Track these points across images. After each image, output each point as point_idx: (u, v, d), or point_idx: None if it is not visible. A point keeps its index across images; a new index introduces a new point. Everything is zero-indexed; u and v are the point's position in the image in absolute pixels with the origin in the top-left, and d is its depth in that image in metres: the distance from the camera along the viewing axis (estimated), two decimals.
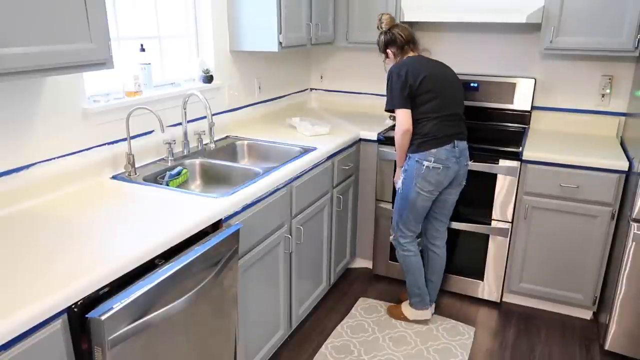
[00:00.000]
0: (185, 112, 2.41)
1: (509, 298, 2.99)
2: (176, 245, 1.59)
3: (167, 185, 2.15)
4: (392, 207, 2.79)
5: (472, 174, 2.70)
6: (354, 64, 3.62)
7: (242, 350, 2.07)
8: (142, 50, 2.31)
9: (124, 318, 1.31)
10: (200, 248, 1.61)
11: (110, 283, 1.35)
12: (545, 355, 2.54)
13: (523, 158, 2.64)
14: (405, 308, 2.76)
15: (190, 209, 1.74)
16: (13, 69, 1.36)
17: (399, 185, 2.54)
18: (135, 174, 2.12)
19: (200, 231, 1.70)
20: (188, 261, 1.53)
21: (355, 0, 3.15)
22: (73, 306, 1.25)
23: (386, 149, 2.92)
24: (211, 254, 1.65)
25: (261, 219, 2.07)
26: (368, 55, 3.54)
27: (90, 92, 2.08)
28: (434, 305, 2.80)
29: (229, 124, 2.89)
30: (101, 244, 1.47)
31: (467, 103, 3.05)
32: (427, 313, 2.72)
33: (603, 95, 2.98)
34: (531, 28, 3.06)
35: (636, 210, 2.28)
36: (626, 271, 2.36)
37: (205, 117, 2.65)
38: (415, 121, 2.40)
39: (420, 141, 2.40)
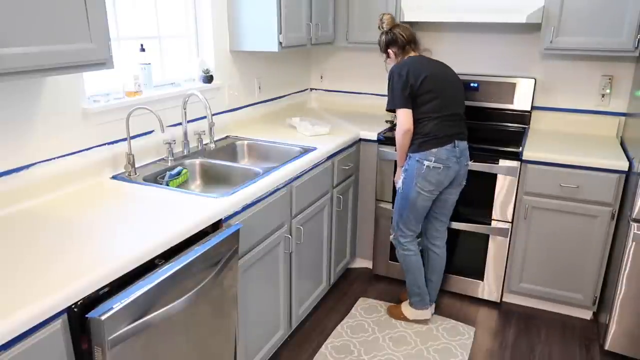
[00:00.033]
0: (185, 112, 2.41)
1: (509, 298, 2.99)
2: (176, 245, 1.59)
3: (167, 185, 2.15)
4: (392, 207, 2.79)
5: (472, 174, 2.70)
6: (354, 64, 3.62)
7: (242, 350, 2.07)
8: (142, 50, 2.31)
9: (124, 318, 1.31)
10: (200, 248, 1.61)
11: (110, 283, 1.35)
12: (545, 355, 2.54)
13: (523, 158, 2.64)
14: (405, 308, 2.76)
15: (190, 209, 1.74)
16: (13, 69, 1.36)
17: (399, 184, 2.54)
18: (135, 174, 2.12)
19: (200, 231, 1.70)
20: (188, 261, 1.53)
21: (355, 0, 3.15)
22: (73, 306, 1.25)
23: (386, 149, 2.92)
24: (211, 254, 1.65)
25: (261, 219, 2.07)
26: (368, 55, 3.54)
27: (90, 92, 2.08)
28: (434, 305, 2.80)
29: (229, 124, 2.89)
30: (101, 244, 1.47)
31: (467, 103, 3.04)
32: (427, 313, 2.72)
33: (603, 95, 2.98)
34: (531, 28, 3.06)
35: (636, 210, 2.28)
36: (626, 271, 2.36)
37: (205, 117, 2.65)
38: (416, 121, 2.40)
39: (421, 141, 2.40)
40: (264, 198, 2.07)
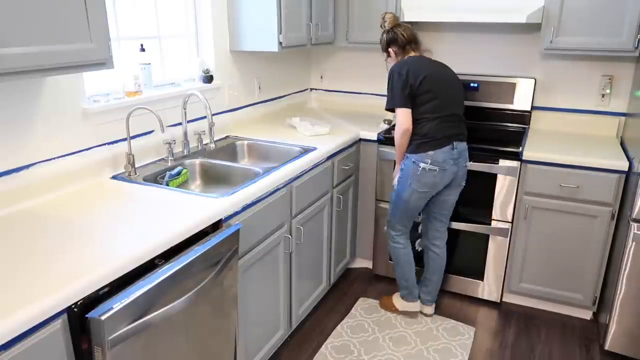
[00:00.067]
0: (185, 112, 2.41)
1: (509, 298, 2.99)
2: (176, 245, 1.59)
3: (167, 185, 2.15)
4: None
5: (472, 174, 2.70)
6: (354, 64, 3.62)
7: (242, 350, 2.07)
8: (142, 50, 2.31)
9: (124, 318, 1.31)
10: (200, 248, 1.61)
11: (110, 283, 1.35)
12: (545, 355, 2.54)
13: (523, 158, 2.64)
14: (396, 299, 2.80)
15: (190, 209, 1.74)
16: (13, 69, 1.36)
17: (395, 181, 2.56)
18: (135, 174, 2.12)
19: (200, 231, 1.70)
20: (188, 261, 1.53)
21: (355, 0, 3.15)
22: (73, 306, 1.25)
23: (386, 149, 2.92)
24: (211, 254, 1.65)
25: (261, 219, 2.07)
26: (368, 55, 3.54)
27: (90, 92, 2.08)
28: (434, 305, 2.80)
29: (229, 124, 2.89)
30: (101, 244, 1.47)
31: (467, 103, 3.05)
32: (416, 305, 2.76)
33: (603, 95, 2.98)
34: (531, 28, 3.06)
35: (636, 210, 2.28)
36: (626, 271, 2.36)
37: (205, 117, 2.65)
38: (415, 121, 2.40)
39: (418, 142, 2.40)
40: (264, 198, 2.07)
